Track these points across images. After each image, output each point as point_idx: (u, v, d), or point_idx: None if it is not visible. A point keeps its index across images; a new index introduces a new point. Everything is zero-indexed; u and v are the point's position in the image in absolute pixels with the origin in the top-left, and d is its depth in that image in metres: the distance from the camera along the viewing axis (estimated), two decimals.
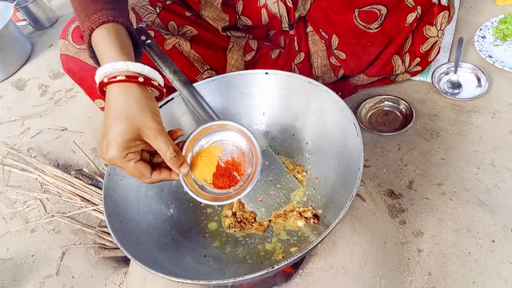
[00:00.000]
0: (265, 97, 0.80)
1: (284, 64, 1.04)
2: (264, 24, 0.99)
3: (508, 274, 0.75)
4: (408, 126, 1.03)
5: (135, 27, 0.91)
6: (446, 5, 0.97)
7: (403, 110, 1.08)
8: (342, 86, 1.13)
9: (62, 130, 1.37)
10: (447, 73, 1.14)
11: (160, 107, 0.77)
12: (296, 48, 1.04)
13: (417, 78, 1.15)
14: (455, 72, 1.11)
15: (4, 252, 1.06)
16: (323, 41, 1.04)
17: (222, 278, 0.54)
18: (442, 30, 1.01)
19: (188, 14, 0.99)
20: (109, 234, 0.99)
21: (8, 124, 1.47)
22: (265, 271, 0.52)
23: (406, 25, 0.97)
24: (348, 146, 0.67)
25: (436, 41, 1.03)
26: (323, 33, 1.02)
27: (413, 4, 0.95)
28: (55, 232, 1.06)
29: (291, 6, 0.96)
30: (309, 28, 1.04)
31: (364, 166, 0.98)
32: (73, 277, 0.96)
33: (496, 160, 0.92)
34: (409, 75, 1.12)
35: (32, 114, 1.48)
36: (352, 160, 0.63)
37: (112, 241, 0.99)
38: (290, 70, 1.05)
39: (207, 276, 0.66)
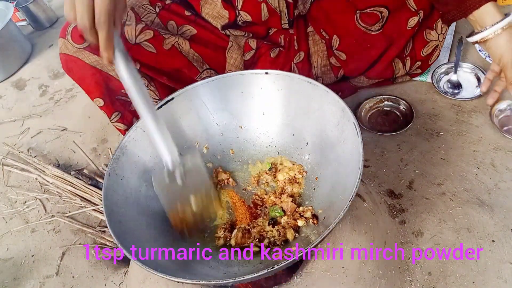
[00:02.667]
0: (265, 97, 0.80)
1: (283, 63, 1.04)
2: (263, 21, 0.98)
3: (508, 274, 0.75)
4: (408, 126, 1.03)
5: (135, 27, 0.91)
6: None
7: (403, 110, 1.08)
8: (342, 86, 1.13)
9: (62, 130, 1.37)
10: (447, 73, 1.14)
11: (160, 107, 0.77)
12: (296, 47, 1.03)
13: (417, 78, 1.15)
14: (455, 72, 1.11)
15: (4, 252, 1.06)
16: (324, 41, 1.03)
17: (222, 278, 0.54)
18: (443, 34, 1.00)
19: (187, 13, 0.99)
20: (109, 234, 0.99)
21: (8, 124, 1.47)
22: (265, 271, 0.52)
23: (408, 28, 0.96)
24: (348, 146, 0.67)
25: (437, 45, 1.02)
26: (323, 33, 1.02)
27: (416, 8, 0.95)
28: (55, 232, 1.06)
29: (291, 1, 0.96)
30: (310, 28, 1.04)
31: (364, 166, 0.98)
32: (73, 277, 0.96)
33: (496, 160, 0.92)
34: (409, 77, 1.12)
35: (32, 114, 1.48)
36: (352, 160, 0.63)
37: (112, 241, 0.99)
38: (290, 70, 1.05)
39: (207, 276, 0.66)
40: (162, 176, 0.68)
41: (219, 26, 0.98)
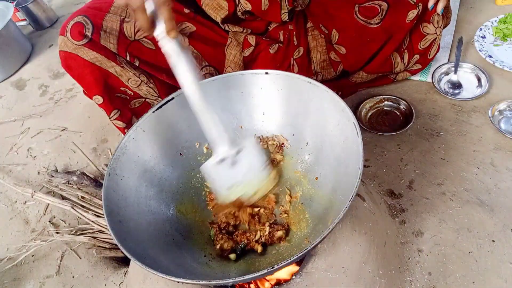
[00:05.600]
0: (265, 97, 0.80)
1: (282, 59, 1.04)
2: (263, 10, 0.97)
3: (508, 274, 0.75)
4: (408, 126, 1.03)
5: (134, 23, 0.91)
6: (441, 14, 0.98)
7: (403, 110, 1.08)
8: (342, 85, 1.13)
9: (62, 130, 1.37)
10: (447, 73, 1.14)
11: (160, 107, 0.77)
12: (295, 43, 1.03)
13: (417, 78, 1.15)
14: (455, 72, 1.11)
15: (4, 252, 1.06)
16: (323, 36, 1.03)
17: (222, 278, 0.54)
18: (440, 27, 1.01)
19: (186, 11, 0.99)
20: (108, 234, 0.99)
21: (8, 124, 1.47)
22: (265, 271, 0.52)
23: (407, 21, 0.97)
24: (348, 146, 0.67)
25: (435, 38, 1.03)
26: (323, 28, 1.02)
27: (415, 1, 0.95)
28: (55, 232, 1.06)
29: None
30: (309, 24, 1.04)
31: (364, 166, 0.98)
32: (73, 277, 0.96)
33: (496, 160, 0.92)
34: (409, 73, 1.12)
35: (32, 114, 1.48)
36: (352, 160, 0.63)
37: (111, 241, 0.99)
38: (289, 65, 1.05)
39: (207, 276, 0.66)
40: (211, 161, 0.70)
41: (219, 19, 0.97)
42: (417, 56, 1.06)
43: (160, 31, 0.61)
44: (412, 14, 0.96)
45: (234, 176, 0.71)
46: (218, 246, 0.71)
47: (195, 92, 0.64)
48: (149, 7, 0.60)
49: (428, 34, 1.01)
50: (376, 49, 1.02)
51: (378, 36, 0.99)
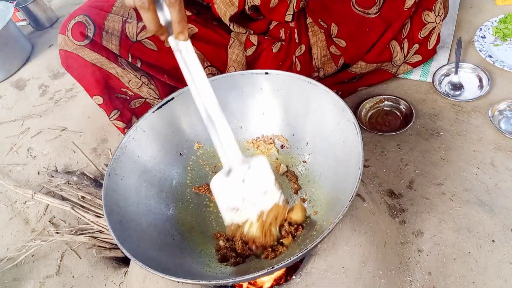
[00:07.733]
0: (265, 97, 0.80)
1: (284, 58, 1.04)
2: (270, 8, 0.97)
3: (508, 274, 0.75)
4: (408, 126, 1.03)
5: (136, 24, 0.91)
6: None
7: (403, 110, 1.08)
8: (342, 79, 1.13)
9: (62, 130, 1.37)
10: (447, 75, 1.13)
11: (160, 107, 0.77)
12: (297, 40, 1.03)
13: (417, 77, 1.15)
14: (456, 73, 1.11)
15: (4, 252, 1.06)
16: (323, 31, 1.04)
17: (222, 278, 0.54)
18: (440, 16, 1.01)
19: (188, 13, 0.99)
20: (108, 234, 0.99)
21: (8, 124, 1.47)
22: (265, 271, 0.52)
23: (405, 9, 0.97)
24: (348, 146, 0.67)
25: (434, 27, 1.03)
26: (322, 22, 1.02)
27: None
28: (55, 232, 1.06)
29: None
30: (309, 20, 1.04)
31: (364, 166, 0.98)
32: (73, 277, 0.96)
33: (496, 160, 0.92)
34: (409, 66, 1.11)
35: (32, 114, 1.48)
36: (352, 160, 0.63)
37: (111, 241, 0.99)
38: (291, 63, 1.05)
39: (207, 276, 0.66)
40: (220, 175, 0.65)
41: (228, 15, 0.97)
42: (416, 46, 1.06)
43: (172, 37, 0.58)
44: (410, 2, 0.96)
45: (239, 196, 0.65)
46: (219, 256, 0.69)
47: (212, 101, 0.62)
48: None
49: (428, 22, 1.01)
50: (376, 39, 1.02)
51: (377, 25, 0.99)
